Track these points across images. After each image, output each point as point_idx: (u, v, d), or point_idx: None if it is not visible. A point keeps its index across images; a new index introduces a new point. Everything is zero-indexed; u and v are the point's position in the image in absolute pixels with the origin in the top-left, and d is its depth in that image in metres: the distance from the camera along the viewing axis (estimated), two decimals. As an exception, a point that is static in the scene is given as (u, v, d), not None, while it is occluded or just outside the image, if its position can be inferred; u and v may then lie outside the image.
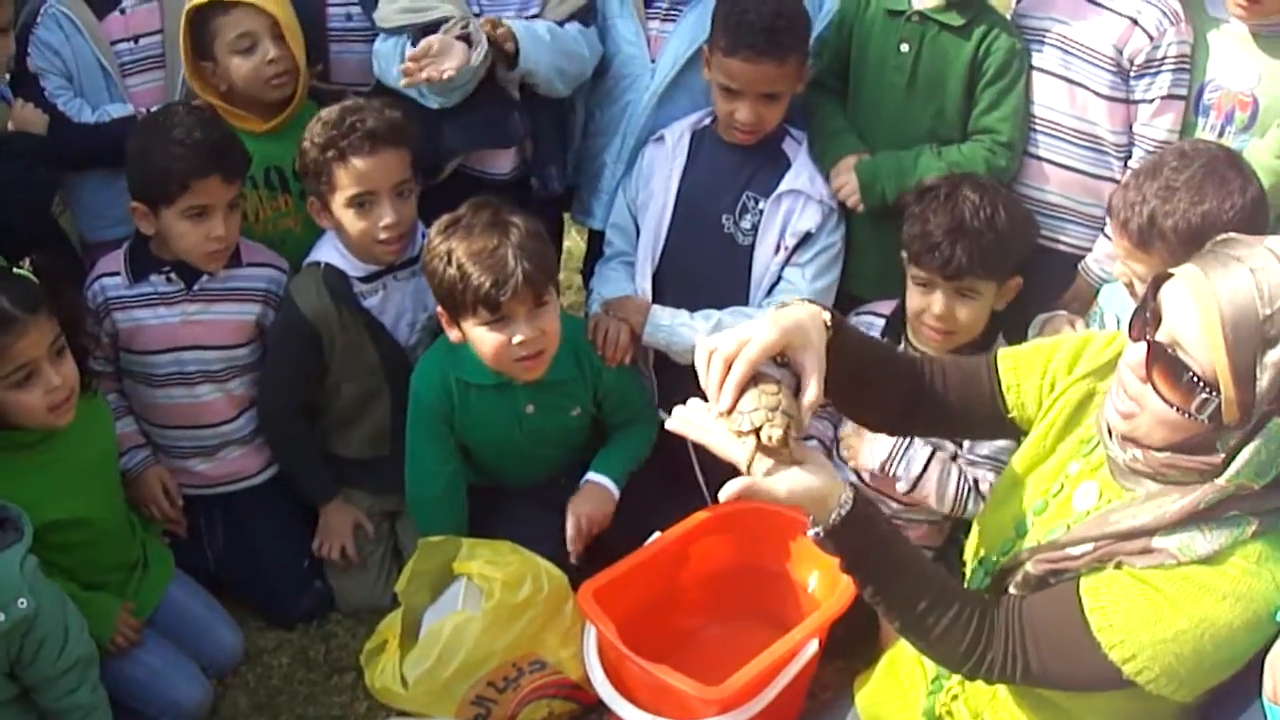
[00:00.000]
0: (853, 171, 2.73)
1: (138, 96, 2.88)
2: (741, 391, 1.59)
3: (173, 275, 2.67)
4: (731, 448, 1.59)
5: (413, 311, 2.80)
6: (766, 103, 2.68)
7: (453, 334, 2.54)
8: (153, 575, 2.64)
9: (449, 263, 2.41)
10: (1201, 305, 1.46)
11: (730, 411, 1.58)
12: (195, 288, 2.69)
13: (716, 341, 1.62)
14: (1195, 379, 1.47)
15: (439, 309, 2.54)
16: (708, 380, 1.61)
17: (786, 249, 2.78)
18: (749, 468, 1.58)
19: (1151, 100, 2.61)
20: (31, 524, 2.18)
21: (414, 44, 2.64)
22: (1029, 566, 1.69)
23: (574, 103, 2.99)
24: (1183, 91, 2.60)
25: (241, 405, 2.82)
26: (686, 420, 1.66)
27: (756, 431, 1.56)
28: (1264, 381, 1.44)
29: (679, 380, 2.67)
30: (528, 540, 2.55)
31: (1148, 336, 1.53)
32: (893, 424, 2.03)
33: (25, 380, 2.20)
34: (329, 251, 2.73)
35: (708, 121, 2.84)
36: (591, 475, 2.74)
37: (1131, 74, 2.61)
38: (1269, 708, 1.58)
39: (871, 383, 1.85)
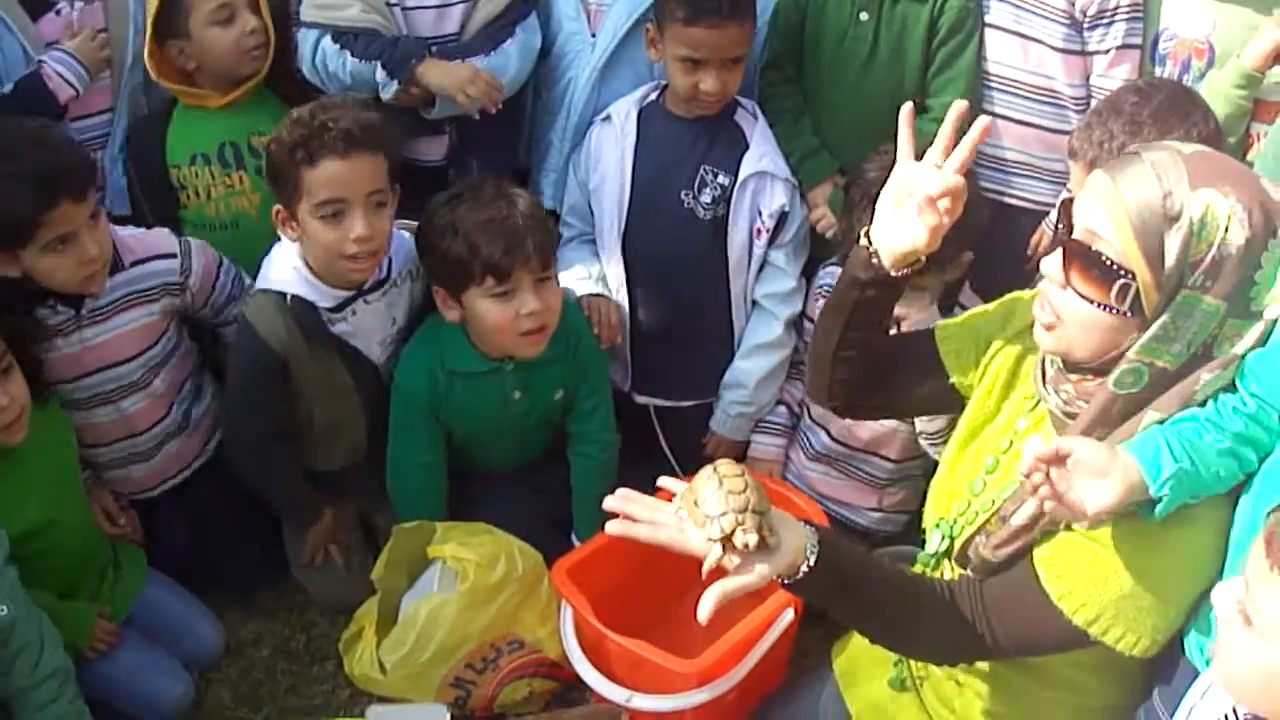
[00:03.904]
0: (827, 204, 2.74)
1: (82, 99, 2.75)
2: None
3: (58, 306, 2.45)
4: (692, 542, 1.53)
5: (383, 329, 2.62)
6: (731, 68, 2.64)
7: (451, 314, 2.50)
8: (126, 575, 2.63)
9: (455, 235, 2.39)
10: (1106, 199, 1.52)
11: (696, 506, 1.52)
12: (83, 312, 2.48)
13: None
14: (1110, 264, 1.50)
15: (435, 290, 2.50)
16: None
17: (766, 231, 2.77)
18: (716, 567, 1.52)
19: (1107, 51, 2.60)
20: (5, 537, 2.17)
21: (334, 41, 2.66)
22: (985, 553, 1.70)
23: (523, 89, 2.91)
24: (1137, 40, 2.59)
25: (169, 399, 2.69)
26: (628, 521, 1.58)
27: (728, 537, 1.49)
28: (1170, 260, 1.48)
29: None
30: (509, 521, 2.55)
31: (1062, 241, 1.57)
32: (848, 408, 2.04)
33: None
34: (294, 280, 2.48)
35: (653, 97, 2.79)
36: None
37: (1085, 25, 2.59)
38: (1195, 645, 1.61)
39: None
